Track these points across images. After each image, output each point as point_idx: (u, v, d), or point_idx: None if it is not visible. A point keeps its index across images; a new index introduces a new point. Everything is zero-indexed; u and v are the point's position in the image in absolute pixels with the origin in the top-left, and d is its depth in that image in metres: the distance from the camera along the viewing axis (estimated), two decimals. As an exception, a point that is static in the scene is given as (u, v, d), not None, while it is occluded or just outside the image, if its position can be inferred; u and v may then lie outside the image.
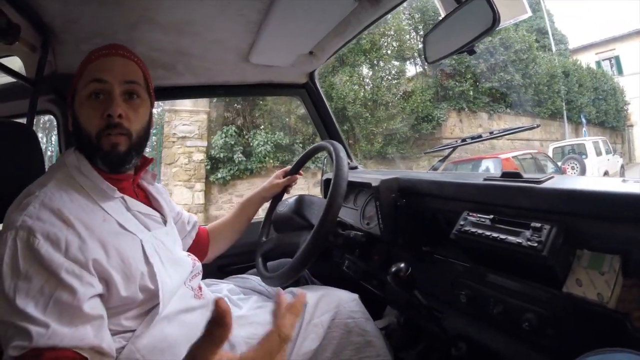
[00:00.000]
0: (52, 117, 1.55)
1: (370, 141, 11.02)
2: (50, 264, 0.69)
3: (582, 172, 10.89)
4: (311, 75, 1.84)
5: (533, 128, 1.34)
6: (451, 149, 1.41)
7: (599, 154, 12.07)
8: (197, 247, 1.31)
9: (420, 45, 12.90)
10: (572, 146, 12.54)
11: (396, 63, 12.29)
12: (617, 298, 0.71)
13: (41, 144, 1.07)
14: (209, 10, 1.16)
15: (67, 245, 0.72)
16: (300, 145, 10.17)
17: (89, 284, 0.73)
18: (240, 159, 9.29)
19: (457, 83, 12.66)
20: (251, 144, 9.61)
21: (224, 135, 9.34)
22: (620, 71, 20.33)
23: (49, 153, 7.80)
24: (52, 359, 0.66)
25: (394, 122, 11.16)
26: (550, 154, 12.13)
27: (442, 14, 1.09)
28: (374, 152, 11.03)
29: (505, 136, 1.29)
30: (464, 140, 1.35)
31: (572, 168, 11.23)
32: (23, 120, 1.20)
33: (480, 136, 1.30)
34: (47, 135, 8.43)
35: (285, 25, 1.26)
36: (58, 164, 0.90)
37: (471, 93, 12.79)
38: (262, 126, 10.31)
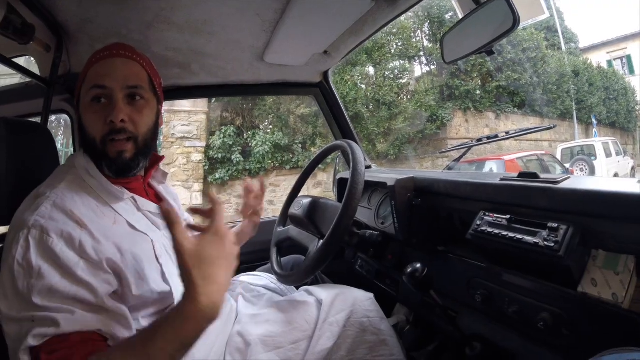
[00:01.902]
0: (59, 116, 1.55)
1: (372, 141, 10.84)
2: (66, 262, 0.70)
3: (591, 174, 10.62)
4: (325, 75, 1.84)
5: (549, 128, 1.34)
6: (466, 149, 1.41)
7: (608, 155, 11.69)
8: None
9: (427, 44, 12.69)
10: (582, 147, 12.10)
11: (400, 62, 12.05)
12: (632, 298, 0.72)
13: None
14: (225, 10, 1.17)
15: (81, 245, 0.73)
16: (300, 145, 10.02)
17: (105, 281, 0.74)
18: (238, 160, 9.26)
19: (462, 82, 12.35)
20: (250, 145, 9.54)
21: (222, 135, 9.30)
22: (631, 71, 19.83)
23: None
24: (78, 342, 0.66)
25: (395, 122, 10.91)
26: (558, 155, 11.86)
27: (460, 15, 1.09)
28: (375, 152, 10.89)
29: (515, 137, 1.28)
30: (479, 140, 1.35)
31: (581, 170, 10.97)
32: (38, 120, 1.22)
33: (496, 136, 1.30)
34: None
35: (301, 25, 1.26)
36: (67, 165, 0.89)
37: (478, 92, 12.44)
38: (262, 126, 10.22)
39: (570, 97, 15.18)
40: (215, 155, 9.22)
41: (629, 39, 20.01)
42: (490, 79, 12.89)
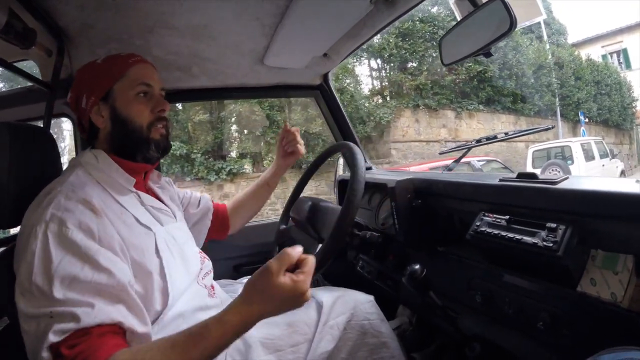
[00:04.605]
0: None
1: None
2: (86, 251, 0.71)
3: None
4: (325, 77, 1.84)
5: (548, 129, 1.36)
6: (466, 150, 1.42)
7: (590, 158, 10.21)
8: (217, 223, 1.37)
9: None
10: (562, 148, 10.52)
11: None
12: (631, 298, 0.72)
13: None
14: (225, 15, 1.18)
15: (100, 233, 0.75)
16: (199, 154, 9.41)
17: (122, 270, 0.75)
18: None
19: (410, 76, 10.96)
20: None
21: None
22: (628, 65, 18.91)
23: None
24: (100, 335, 0.66)
25: (315, 125, 9.77)
26: (529, 158, 10.84)
27: (458, 17, 1.10)
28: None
29: (514, 138, 1.30)
30: (478, 140, 1.36)
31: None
32: (40, 124, 1.22)
33: (495, 137, 1.32)
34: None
35: (301, 28, 1.27)
36: (73, 164, 0.92)
37: (430, 87, 11.00)
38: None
39: (551, 91, 13.96)
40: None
41: (624, 31, 19.05)
42: (446, 72, 11.44)
